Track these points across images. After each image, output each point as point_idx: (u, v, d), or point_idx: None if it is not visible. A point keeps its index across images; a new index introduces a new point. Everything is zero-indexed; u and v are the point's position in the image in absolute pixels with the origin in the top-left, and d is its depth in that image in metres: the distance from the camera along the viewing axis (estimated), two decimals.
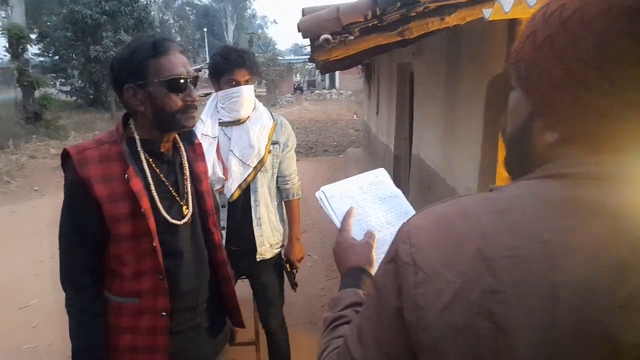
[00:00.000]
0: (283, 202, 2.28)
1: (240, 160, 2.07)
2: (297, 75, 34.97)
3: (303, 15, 2.11)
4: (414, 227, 0.56)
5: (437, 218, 0.56)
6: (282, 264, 2.29)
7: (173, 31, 38.93)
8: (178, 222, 1.32)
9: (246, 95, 1.99)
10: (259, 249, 2.13)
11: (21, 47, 13.32)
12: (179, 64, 1.24)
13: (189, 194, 1.37)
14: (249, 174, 2.08)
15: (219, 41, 50.57)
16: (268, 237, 2.15)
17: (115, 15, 17.08)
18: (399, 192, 1.05)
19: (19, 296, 3.83)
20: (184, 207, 1.35)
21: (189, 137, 1.42)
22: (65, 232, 1.26)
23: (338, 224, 0.95)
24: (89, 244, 1.26)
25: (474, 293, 0.49)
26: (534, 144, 0.57)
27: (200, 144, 1.47)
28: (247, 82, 2.01)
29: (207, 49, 50.88)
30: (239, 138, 2.07)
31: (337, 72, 26.94)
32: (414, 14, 1.88)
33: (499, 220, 0.51)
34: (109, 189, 1.22)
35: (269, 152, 2.10)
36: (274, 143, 2.13)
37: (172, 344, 1.33)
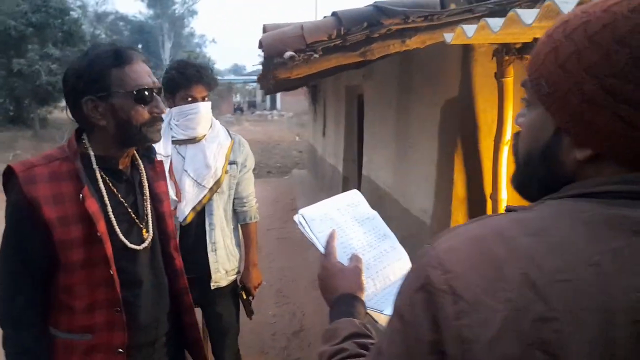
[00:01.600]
0: (239, 226, 2.17)
1: (195, 180, 1.94)
2: (237, 95, 34.72)
3: (264, 31, 2.05)
4: (444, 251, 0.51)
5: (468, 241, 0.51)
6: (237, 292, 2.16)
7: None
8: (137, 247, 1.21)
9: (204, 113, 1.89)
10: (213, 276, 2.00)
11: None
12: (144, 73, 1.15)
13: (149, 216, 1.25)
14: (204, 196, 1.96)
15: (155, 58, 49.20)
16: (223, 263, 2.03)
17: (43, 28, 16.08)
18: (375, 213, 1.02)
19: None
20: (144, 231, 1.24)
21: (148, 154, 1.31)
22: (6, 261, 1.11)
23: (321, 248, 0.90)
24: (34, 275, 1.12)
25: (524, 322, 0.45)
26: (562, 161, 0.54)
27: (161, 161, 1.36)
28: (204, 99, 1.90)
29: None
30: (194, 157, 1.94)
31: (278, 94, 27.06)
32: (377, 35, 1.88)
33: (540, 242, 0.48)
34: (60, 211, 1.09)
35: (226, 172, 2.00)
36: (232, 163, 2.03)
37: None
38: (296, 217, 0.95)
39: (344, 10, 1.84)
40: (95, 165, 1.16)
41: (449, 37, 1.72)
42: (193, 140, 1.93)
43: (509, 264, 0.47)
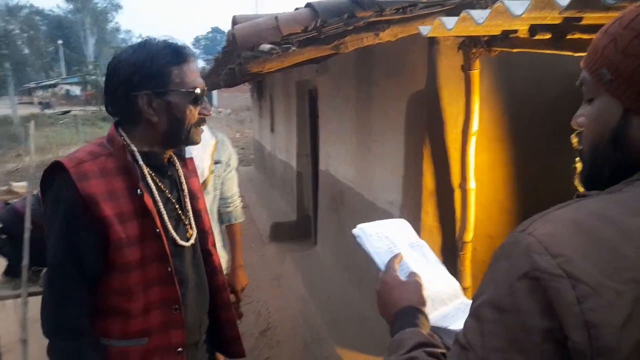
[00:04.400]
0: (224, 227, 2.13)
1: None
2: None
3: (234, 23, 1.96)
4: (546, 236, 0.49)
5: (569, 224, 0.50)
6: None
7: (20, 42, 34.52)
8: (185, 244, 1.18)
9: None
10: None
11: None
12: (198, 73, 1.15)
13: (190, 213, 1.23)
14: None
15: (77, 54, 46.10)
16: (219, 261, 1.95)
17: None
18: (424, 242, 1.04)
19: None
20: (188, 227, 1.21)
21: (179, 152, 1.28)
22: (58, 266, 1.04)
23: (380, 264, 0.91)
24: (87, 279, 1.04)
25: None
26: (634, 141, 0.56)
27: (191, 159, 1.33)
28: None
29: (62, 63, 46.04)
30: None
31: (215, 91, 26.39)
32: (352, 28, 1.86)
33: None
34: (117, 208, 1.04)
35: (212, 172, 1.92)
36: (217, 162, 1.97)
37: None
38: (355, 231, 0.97)
39: (318, 1, 1.80)
40: (141, 162, 1.12)
41: (425, 29, 1.74)
42: None
43: (623, 244, 0.46)
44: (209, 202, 1.94)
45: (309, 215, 5.01)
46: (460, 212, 2.20)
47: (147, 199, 1.09)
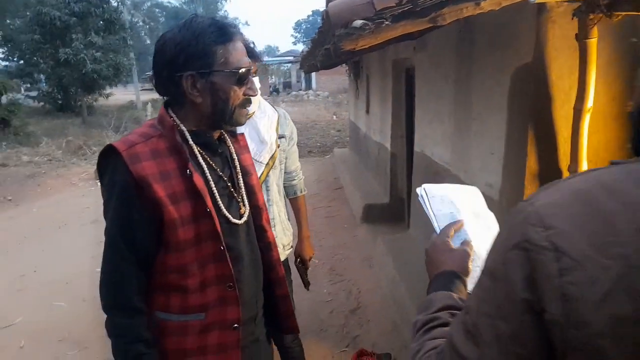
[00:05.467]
0: (289, 200, 2.18)
1: (252, 157, 1.94)
2: (272, 76, 34.72)
3: (328, 1, 1.96)
4: (545, 207, 0.48)
5: (573, 194, 0.48)
6: (289, 266, 2.17)
7: (143, 33, 38.11)
8: (238, 222, 1.18)
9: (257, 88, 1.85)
10: None
11: None
12: (243, 52, 1.12)
13: (242, 190, 1.23)
14: (262, 172, 1.93)
15: None
16: (281, 238, 2.04)
17: (85, 17, 16.50)
18: (492, 214, 1.00)
19: (2, 314, 3.54)
20: (241, 205, 1.21)
21: (231, 129, 1.28)
22: (114, 245, 1.08)
23: (436, 226, 0.89)
24: (142, 258, 1.09)
25: None
26: None
27: (242, 134, 1.34)
28: (254, 74, 1.87)
29: None
30: (249, 134, 1.92)
31: (313, 74, 26.86)
32: None
33: None
34: (169, 188, 1.06)
35: (278, 146, 1.98)
36: (281, 137, 2.01)
37: None
38: (418, 190, 0.95)
39: None
40: (191, 141, 1.13)
41: None
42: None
43: (621, 218, 0.44)
44: (276, 175, 1.99)
45: (402, 198, 4.93)
46: None
47: (197, 179, 1.09)
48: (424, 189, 0.94)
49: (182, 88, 1.08)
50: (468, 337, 0.53)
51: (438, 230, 0.88)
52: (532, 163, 2.18)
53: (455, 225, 0.87)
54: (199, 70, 1.06)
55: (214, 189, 1.13)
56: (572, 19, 1.90)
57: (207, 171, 1.13)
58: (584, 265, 0.44)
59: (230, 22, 1.14)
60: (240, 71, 1.09)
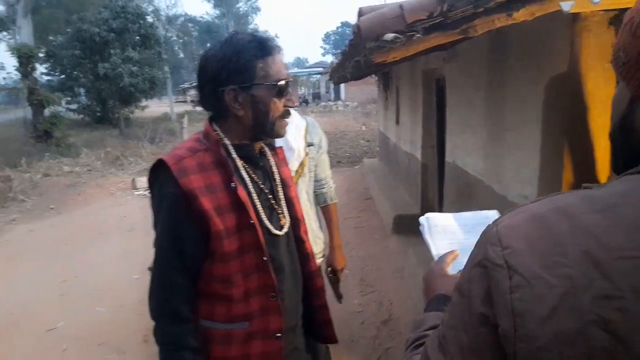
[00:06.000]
0: (320, 208, 2.18)
1: None
2: (302, 87, 35.08)
3: (360, 15, 2.00)
4: (505, 228, 0.52)
5: (530, 218, 0.51)
6: (321, 275, 2.18)
7: (176, 47, 39.23)
8: (279, 233, 1.22)
9: None
10: None
11: (30, 66, 13.40)
12: (282, 65, 1.15)
13: (282, 202, 1.26)
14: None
15: None
16: (311, 247, 2.04)
17: (123, 33, 17.21)
18: None
19: (45, 318, 3.70)
20: (281, 216, 1.25)
21: (270, 141, 1.32)
22: (164, 256, 1.12)
23: (434, 255, 0.93)
24: (190, 268, 1.13)
25: (584, 299, 0.44)
26: (638, 132, 0.54)
27: (281, 147, 1.37)
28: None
29: None
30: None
31: (342, 84, 26.99)
32: (482, 9, 1.76)
33: (605, 218, 0.47)
34: (215, 201, 1.10)
35: (306, 154, 2.00)
36: (309, 144, 2.03)
37: None
38: (421, 219, 0.99)
39: None
40: (234, 155, 1.17)
41: (567, 5, 1.58)
42: None
43: (570, 240, 0.47)
44: (306, 183, 2.00)
45: (433, 209, 4.88)
46: None
47: (241, 192, 1.12)
48: (427, 218, 0.97)
49: (225, 102, 1.12)
50: (439, 348, 0.57)
51: (436, 259, 0.91)
52: (568, 174, 2.14)
53: (452, 254, 0.90)
54: (240, 85, 1.11)
55: (256, 201, 1.17)
56: (608, 27, 1.88)
57: (249, 184, 1.17)
58: (532, 283, 0.47)
59: (270, 37, 1.17)
60: (279, 83, 1.13)
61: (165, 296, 1.13)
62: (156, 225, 1.14)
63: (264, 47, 1.12)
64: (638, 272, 0.43)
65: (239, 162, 1.17)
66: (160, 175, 1.12)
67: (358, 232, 5.44)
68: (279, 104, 1.15)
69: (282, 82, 1.14)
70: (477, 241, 0.56)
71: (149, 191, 1.19)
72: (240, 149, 1.18)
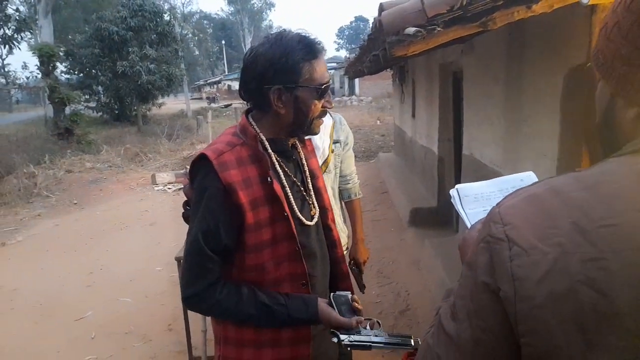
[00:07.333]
0: (344, 203, 2.23)
1: None
2: None
3: (381, 10, 2.05)
4: (505, 208, 0.59)
5: (527, 198, 0.59)
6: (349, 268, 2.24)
7: (192, 45, 39.52)
8: (310, 223, 1.27)
9: None
10: None
11: (52, 65, 13.67)
12: (325, 68, 1.20)
13: (312, 192, 1.32)
14: None
15: (237, 52, 51.21)
16: (338, 234, 2.10)
17: (140, 31, 17.42)
18: None
19: (74, 308, 3.84)
20: (312, 207, 1.30)
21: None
22: (198, 243, 1.16)
23: (468, 224, 0.94)
24: (222, 257, 1.19)
25: (573, 262, 0.51)
26: (619, 124, 0.60)
27: (310, 139, 1.42)
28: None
29: (225, 61, 51.59)
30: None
31: (356, 79, 26.92)
32: (501, 2, 1.79)
33: (591, 194, 0.54)
34: (251, 194, 1.15)
35: (332, 151, 2.04)
36: (335, 142, 2.08)
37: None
38: (451, 191, 1.00)
39: None
40: (270, 150, 1.22)
41: None
42: None
43: (561, 214, 0.54)
44: (331, 179, 2.05)
45: (450, 201, 4.89)
46: None
47: (277, 186, 1.17)
48: (457, 189, 0.98)
49: (269, 99, 1.16)
50: (451, 315, 0.64)
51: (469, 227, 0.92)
52: (587, 164, 2.16)
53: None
54: (285, 85, 1.15)
55: (289, 193, 1.22)
56: None
57: (283, 178, 1.22)
58: (529, 252, 0.54)
59: (317, 39, 1.19)
60: (322, 87, 1.18)
61: (197, 280, 1.18)
62: (195, 214, 1.19)
63: (311, 49, 1.15)
64: (616, 237, 0.50)
65: (274, 157, 1.22)
66: (202, 169, 1.16)
67: (374, 225, 5.48)
68: (318, 105, 1.20)
69: (325, 86, 1.18)
70: (483, 220, 0.63)
71: (190, 182, 1.25)
72: (275, 143, 1.23)
